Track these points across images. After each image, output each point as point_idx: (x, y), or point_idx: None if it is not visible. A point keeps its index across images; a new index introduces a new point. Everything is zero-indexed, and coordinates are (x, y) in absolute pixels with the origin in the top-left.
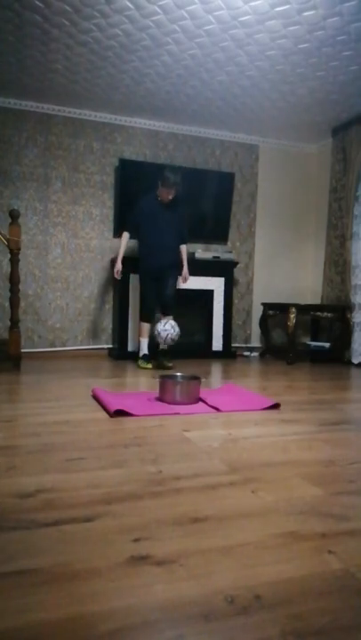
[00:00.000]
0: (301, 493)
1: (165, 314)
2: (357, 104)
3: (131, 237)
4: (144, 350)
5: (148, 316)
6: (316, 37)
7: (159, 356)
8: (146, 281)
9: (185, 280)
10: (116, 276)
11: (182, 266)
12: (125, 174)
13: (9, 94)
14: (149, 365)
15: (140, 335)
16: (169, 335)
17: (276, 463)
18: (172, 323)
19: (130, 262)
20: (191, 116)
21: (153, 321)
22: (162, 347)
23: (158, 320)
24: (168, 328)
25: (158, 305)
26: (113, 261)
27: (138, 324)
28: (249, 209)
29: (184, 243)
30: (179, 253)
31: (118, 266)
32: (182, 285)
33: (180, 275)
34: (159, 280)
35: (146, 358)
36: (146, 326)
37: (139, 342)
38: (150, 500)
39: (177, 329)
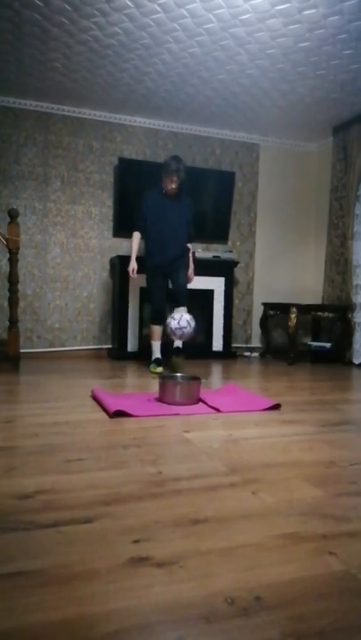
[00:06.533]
0: (302, 494)
1: (179, 304)
2: (358, 103)
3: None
4: (156, 354)
5: (159, 318)
6: (316, 36)
7: (173, 352)
8: (155, 279)
9: (189, 280)
10: (131, 275)
11: (188, 265)
12: (125, 173)
13: (8, 93)
14: (160, 369)
15: (151, 339)
16: (185, 332)
17: (276, 464)
18: (188, 317)
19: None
20: (191, 114)
21: (164, 322)
22: (176, 344)
23: (171, 314)
24: (184, 324)
25: (169, 299)
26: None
27: (148, 326)
28: (249, 208)
29: (189, 241)
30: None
31: (133, 264)
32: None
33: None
34: (169, 274)
35: (158, 362)
36: (157, 329)
37: (150, 346)
38: (150, 501)
39: (193, 323)
